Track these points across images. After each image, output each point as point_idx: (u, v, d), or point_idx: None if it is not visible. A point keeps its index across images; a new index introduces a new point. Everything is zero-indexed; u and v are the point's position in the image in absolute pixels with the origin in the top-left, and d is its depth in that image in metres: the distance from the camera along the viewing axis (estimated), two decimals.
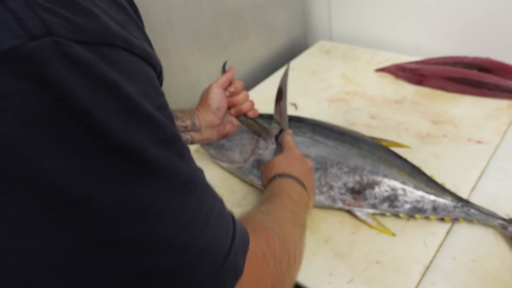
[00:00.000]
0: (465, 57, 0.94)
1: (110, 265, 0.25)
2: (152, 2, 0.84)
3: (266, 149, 0.74)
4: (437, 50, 1.05)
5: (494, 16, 0.94)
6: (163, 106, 0.28)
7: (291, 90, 1.04)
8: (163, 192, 0.27)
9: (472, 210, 0.61)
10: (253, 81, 1.13)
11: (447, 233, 0.62)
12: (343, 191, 0.67)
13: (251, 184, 0.77)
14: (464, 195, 0.68)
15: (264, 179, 0.67)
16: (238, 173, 0.78)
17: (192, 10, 0.93)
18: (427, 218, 0.64)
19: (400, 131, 0.84)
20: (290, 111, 0.96)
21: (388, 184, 0.65)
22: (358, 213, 0.66)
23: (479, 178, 0.70)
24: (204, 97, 0.72)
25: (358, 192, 0.66)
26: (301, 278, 0.60)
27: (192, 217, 0.29)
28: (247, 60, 1.12)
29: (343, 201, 0.67)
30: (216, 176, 0.82)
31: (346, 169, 0.67)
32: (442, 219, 0.63)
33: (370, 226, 0.65)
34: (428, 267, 0.58)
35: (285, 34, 1.23)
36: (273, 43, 1.19)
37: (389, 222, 0.65)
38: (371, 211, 0.66)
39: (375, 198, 0.65)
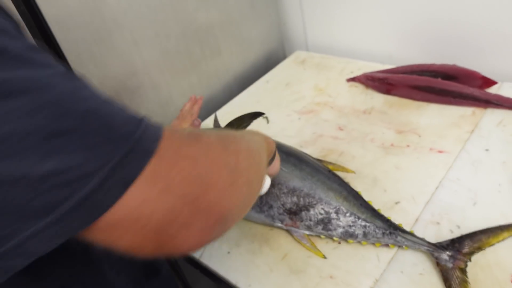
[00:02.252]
0: (432, 65, 0.94)
1: None
2: (116, 27, 0.86)
3: None
4: (409, 57, 1.06)
5: (461, 23, 0.94)
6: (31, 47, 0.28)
7: (264, 103, 1.07)
8: (53, 75, 0.28)
9: (399, 238, 0.62)
10: (228, 96, 1.15)
11: (399, 247, 0.63)
12: (281, 211, 0.68)
13: None
14: (420, 206, 0.68)
15: None
16: None
17: (158, 31, 0.95)
18: (359, 242, 0.65)
19: (365, 142, 0.85)
20: (262, 124, 0.98)
21: (323, 207, 0.66)
22: (295, 234, 0.67)
23: (436, 188, 0.71)
24: None
25: (294, 213, 0.67)
26: None
27: (95, 93, 0.29)
28: (221, 74, 1.14)
29: (281, 221, 0.68)
30: None
31: (285, 190, 0.68)
32: (373, 244, 0.64)
33: (304, 246, 0.66)
34: (377, 281, 0.59)
35: (261, 46, 1.25)
36: (248, 56, 1.21)
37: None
38: (307, 232, 0.67)
39: (310, 220, 0.66)
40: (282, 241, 0.69)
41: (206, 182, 0.32)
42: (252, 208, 0.70)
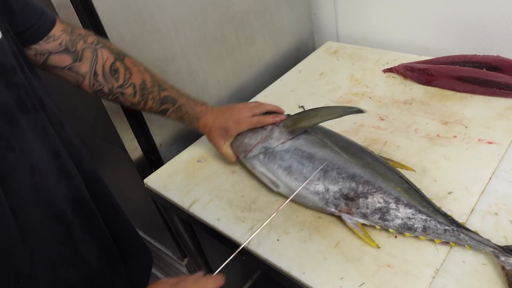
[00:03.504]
0: (474, 56, 0.93)
1: None
2: (158, 9, 0.84)
3: (278, 140, 0.76)
4: (446, 49, 1.04)
5: (503, 13, 0.92)
6: None
7: (299, 93, 1.05)
8: None
9: (462, 235, 0.59)
10: (260, 85, 1.13)
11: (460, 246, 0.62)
12: (337, 195, 0.67)
13: (255, 176, 0.79)
14: (474, 197, 0.67)
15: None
16: (245, 161, 0.79)
17: (197, 16, 0.93)
18: (416, 237, 0.63)
19: (409, 133, 0.83)
20: None
21: (382, 196, 0.64)
22: (348, 221, 0.65)
23: (490, 179, 0.70)
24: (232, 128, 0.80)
25: (351, 199, 0.66)
26: (312, 282, 0.60)
27: None
28: (254, 63, 1.13)
29: (336, 206, 0.67)
30: (227, 180, 0.82)
31: (344, 175, 0.67)
32: (432, 241, 0.62)
33: (356, 234, 0.65)
34: (438, 271, 0.58)
35: (292, 36, 1.23)
36: (279, 45, 1.19)
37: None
38: (361, 221, 0.65)
39: (367, 208, 0.65)
40: (333, 229, 0.68)
41: None
42: (307, 188, 0.69)
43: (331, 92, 1.02)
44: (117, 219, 0.67)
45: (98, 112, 0.85)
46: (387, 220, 0.64)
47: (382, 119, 0.89)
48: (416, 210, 0.62)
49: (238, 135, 0.81)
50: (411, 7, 1.07)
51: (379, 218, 0.64)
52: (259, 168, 0.76)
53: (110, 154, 1.02)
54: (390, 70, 1.04)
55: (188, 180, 0.85)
